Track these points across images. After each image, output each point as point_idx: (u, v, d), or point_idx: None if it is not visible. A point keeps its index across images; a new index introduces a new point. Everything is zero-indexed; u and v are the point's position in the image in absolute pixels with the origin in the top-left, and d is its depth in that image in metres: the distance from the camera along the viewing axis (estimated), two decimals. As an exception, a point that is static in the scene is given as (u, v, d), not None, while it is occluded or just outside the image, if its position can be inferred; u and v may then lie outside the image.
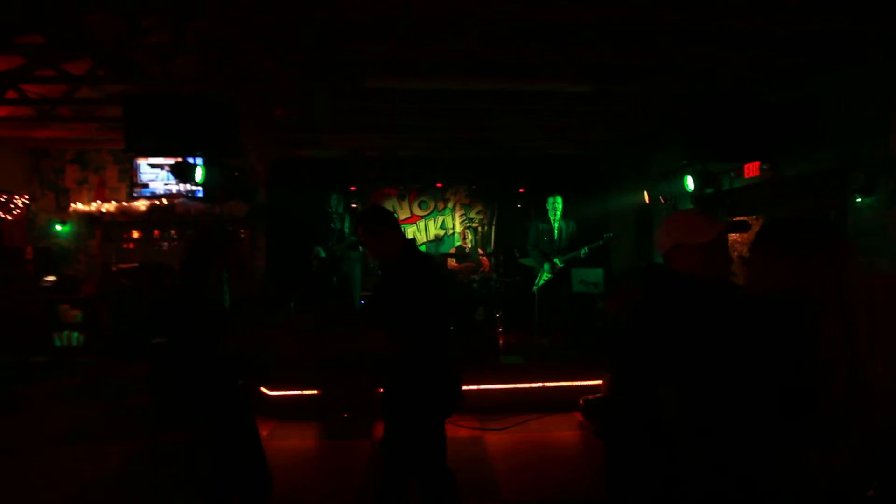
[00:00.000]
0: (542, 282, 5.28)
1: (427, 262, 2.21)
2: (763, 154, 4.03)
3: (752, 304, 1.17)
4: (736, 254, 1.45)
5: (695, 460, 1.17)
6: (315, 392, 3.99)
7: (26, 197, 6.80)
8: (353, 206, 7.04)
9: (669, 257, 1.41)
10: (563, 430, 3.74)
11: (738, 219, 1.71)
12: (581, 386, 4.09)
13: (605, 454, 1.46)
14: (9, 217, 6.65)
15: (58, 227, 6.86)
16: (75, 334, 5.93)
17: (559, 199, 5.24)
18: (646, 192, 5.72)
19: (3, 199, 6.48)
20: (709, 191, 4.70)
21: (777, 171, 4.08)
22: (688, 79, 4.31)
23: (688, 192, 4.75)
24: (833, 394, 1.01)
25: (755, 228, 1.27)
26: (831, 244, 1.06)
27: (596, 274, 5.29)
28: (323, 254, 5.27)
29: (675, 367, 1.21)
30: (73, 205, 6.80)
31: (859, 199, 3.34)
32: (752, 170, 4.51)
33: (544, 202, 5.37)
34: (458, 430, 3.73)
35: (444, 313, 2.19)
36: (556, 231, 5.24)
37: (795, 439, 1.05)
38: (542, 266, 5.25)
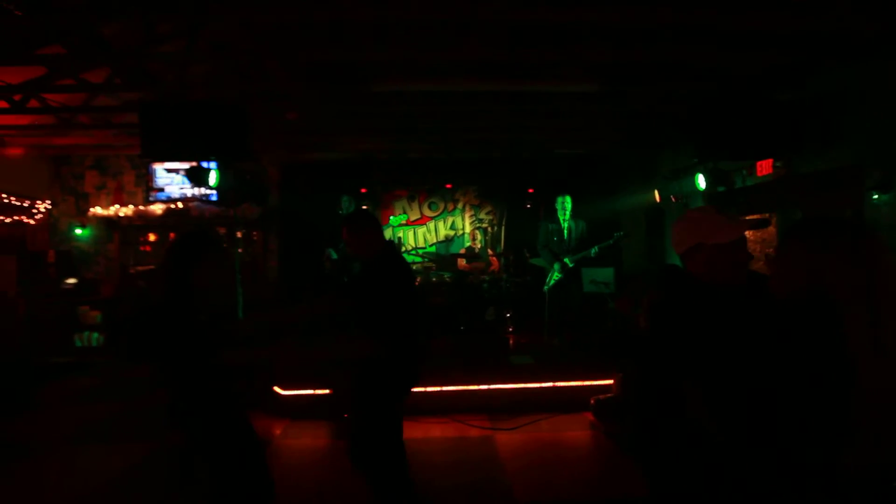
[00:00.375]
0: (552, 282, 5.25)
1: (403, 262, 2.37)
2: (776, 151, 3.97)
3: (776, 303, 1.16)
4: (759, 252, 1.43)
5: (721, 454, 1.17)
6: (327, 392, 4.02)
7: (48, 202, 6.98)
8: (364, 207, 7.09)
9: (688, 257, 1.37)
10: (575, 430, 3.72)
11: (755, 216, 1.71)
12: (592, 386, 4.07)
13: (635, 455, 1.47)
14: (32, 222, 6.84)
15: (78, 231, 7.03)
16: (95, 335, 6.06)
17: (568, 199, 5.22)
18: (656, 192, 5.66)
19: (25, 205, 6.66)
20: (721, 189, 4.63)
21: (791, 168, 4.01)
22: (696, 77, 4.26)
23: (699, 190, 4.69)
24: (858, 392, 1.00)
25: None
26: (854, 244, 1.06)
27: (606, 274, 5.24)
28: (335, 255, 5.31)
29: (701, 368, 1.21)
30: (92, 209, 6.96)
31: (876, 196, 3.26)
32: (764, 167, 4.44)
33: (553, 202, 5.35)
34: (468, 430, 3.73)
35: (415, 310, 2.32)
36: (565, 231, 5.21)
37: (812, 435, 1.05)
38: (553, 266, 5.22)
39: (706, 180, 4.46)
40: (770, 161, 4.31)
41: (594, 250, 5.01)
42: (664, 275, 1.43)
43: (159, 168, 6.89)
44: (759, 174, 4.52)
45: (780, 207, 4.21)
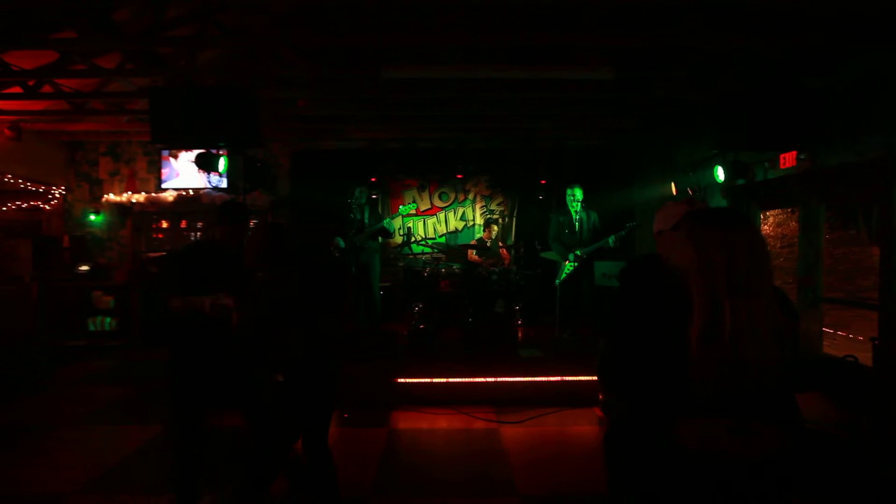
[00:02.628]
0: (564, 275, 5.19)
1: None
2: (801, 143, 3.83)
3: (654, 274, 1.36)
4: (779, 247, 1.51)
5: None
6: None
7: (63, 188, 7.12)
8: (374, 196, 7.07)
9: (656, 242, 1.59)
10: (582, 425, 3.70)
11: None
12: (601, 381, 4.02)
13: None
14: (47, 207, 6.98)
15: (92, 217, 7.16)
16: (108, 319, 6.20)
17: (578, 190, 5.12)
18: (673, 184, 5.54)
19: (41, 190, 6.80)
20: (740, 182, 4.51)
21: (815, 161, 3.88)
22: (718, 64, 4.14)
23: (718, 183, 4.58)
24: (693, 364, 1.12)
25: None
26: (701, 233, 1.20)
27: (619, 267, 5.16)
28: (342, 244, 5.32)
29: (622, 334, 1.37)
30: (105, 195, 7.08)
31: (906, 191, 3.14)
32: (788, 160, 4.30)
33: (564, 193, 5.26)
34: (474, 422, 3.74)
35: None
36: (576, 223, 5.13)
37: (671, 403, 1.18)
38: (566, 258, 5.16)
39: (725, 172, 4.34)
40: (794, 153, 4.17)
41: (611, 240, 4.92)
42: (639, 259, 1.64)
43: (170, 160, 6.98)
44: (781, 166, 4.38)
45: (804, 202, 4.09)
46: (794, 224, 4.30)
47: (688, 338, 1.13)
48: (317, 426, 2.17)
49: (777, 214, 4.74)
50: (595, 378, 4.04)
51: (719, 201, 5.00)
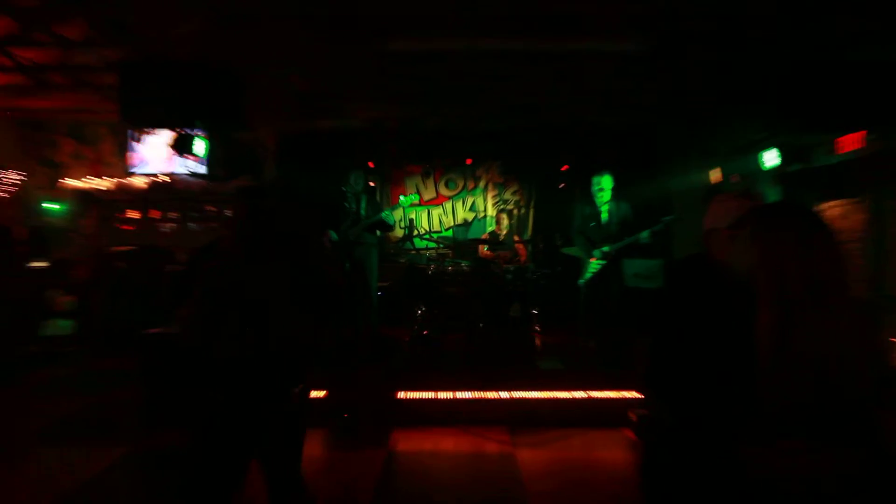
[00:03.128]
0: (589, 274, 5.11)
1: None
2: (867, 121, 3.74)
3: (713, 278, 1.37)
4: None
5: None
6: (322, 394, 4.01)
7: (20, 172, 7.11)
8: (372, 184, 7.02)
9: (706, 241, 1.55)
10: (611, 450, 3.63)
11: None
12: (632, 398, 3.96)
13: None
14: (2, 194, 6.98)
15: (49, 206, 7.13)
16: (66, 322, 6.17)
17: (607, 178, 5.03)
18: (718, 170, 5.45)
19: (-4, 175, 6.80)
20: (794, 168, 4.42)
21: (887, 141, 3.77)
22: (768, 32, 4.02)
23: (769, 169, 4.49)
24: (764, 377, 1.12)
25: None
26: (771, 233, 1.19)
27: (653, 266, 5.07)
28: (335, 237, 5.27)
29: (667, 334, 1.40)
30: (66, 181, 7.06)
31: None
32: (852, 142, 4.20)
33: (590, 181, 5.18)
34: (485, 444, 3.69)
35: None
36: (604, 214, 5.05)
37: (734, 426, 1.18)
38: (590, 254, 5.08)
39: (779, 157, 4.25)
40: (857, 135, 4.07)
41: (645, 234, 4.82)
42: (688, 257, 1.62)
43: (140, 142, 6.96)
44: (842, 150, 4.27)
45: (873, 190, 3.98)
46: (859, 216, 4.19)
47: (755, 348, 1.14)
48: (283, 450, 2.04)
49: (841, 205, 4.63)
50: (623, 395, 3.99)
51: (769, 190, 4.91)
